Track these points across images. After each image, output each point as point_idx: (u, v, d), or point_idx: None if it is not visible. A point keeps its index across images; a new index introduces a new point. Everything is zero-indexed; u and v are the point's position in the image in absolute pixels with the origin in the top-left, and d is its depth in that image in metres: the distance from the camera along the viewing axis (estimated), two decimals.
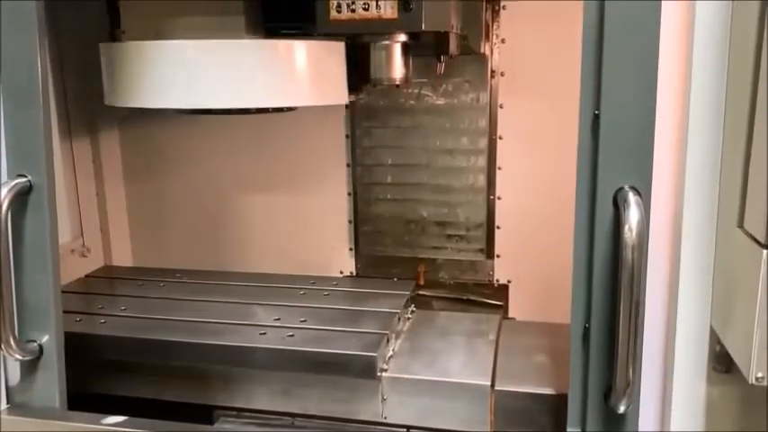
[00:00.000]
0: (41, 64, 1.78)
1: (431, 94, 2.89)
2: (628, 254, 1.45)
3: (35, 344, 1.86)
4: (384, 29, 2.12)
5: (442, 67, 2.54)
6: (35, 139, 1.80)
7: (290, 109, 2.16)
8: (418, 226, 3.07)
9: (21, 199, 1.80)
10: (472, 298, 3.11)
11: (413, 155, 2.97)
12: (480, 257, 3.07)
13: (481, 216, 2.96)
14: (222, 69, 1.85)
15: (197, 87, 1.85)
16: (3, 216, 1.74)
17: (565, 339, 2.39)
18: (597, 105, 1.53)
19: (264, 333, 2.20)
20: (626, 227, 1.45)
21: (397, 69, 2.31)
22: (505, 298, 3.11)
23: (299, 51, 1.97)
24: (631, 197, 1.48)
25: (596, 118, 1.54)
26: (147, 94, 1.89)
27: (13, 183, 1.78)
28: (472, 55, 2.72)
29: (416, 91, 2.88)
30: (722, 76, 1.39)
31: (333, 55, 2.09)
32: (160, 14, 1.99)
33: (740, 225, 1.29)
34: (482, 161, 2.93)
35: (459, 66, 2.77)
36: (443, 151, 2.93)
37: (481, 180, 2.95)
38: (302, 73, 2.00)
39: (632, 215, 1.45)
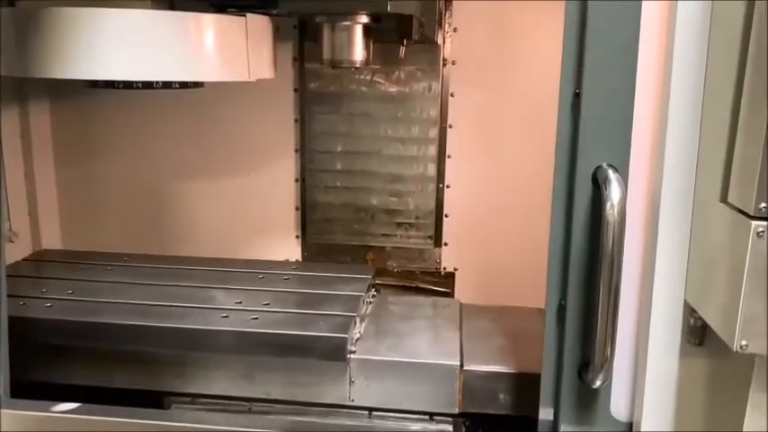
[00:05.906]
0: None
1: (383, 81, 2.87)
2: (609, 231, 1.48)
3: None
4: (349, 8, 2.12)
5: (402, 51, 2.54)
6: None
7: (195, 85, 2.10)
8: (368, 214, 3.05)
9: None
10: (420, 285, 3.14)
11: (363, 141, 2.95)
12: (429, 246, 3.09)
13: (431, 204, 2.98)
14: (126, 39, 1.81)
15: (108, 58, 1.81)
16: None
17: (520, 321, 2.46)
18: (578, 84, 1.56)
19: (227, 316, 2.13)
20: (608, 204, 1.48)
21: (358, 51, 2.28)
22: (452, 285, 3.16)
23: (206, 25, 1.93)
24: (612, 175, 1.51)
25: (576, 97, 1.57)
26: (48, 64, 1.81)
27: None
28: (426, 44, 2.72)
29: (368, 77, 2.86)
30: (702, 54, 1.43)
31: (235, 30, 2.04)
32: None
33: (723, 200, 1.34)
34: (432, 150, 2.95)
35: (412, 54, 2.77)
36: (395, 139, 2.92)
37: (431, 169, 2.97)
38: (207, 47, 1.96)
39: (614, 192, 1.48)
